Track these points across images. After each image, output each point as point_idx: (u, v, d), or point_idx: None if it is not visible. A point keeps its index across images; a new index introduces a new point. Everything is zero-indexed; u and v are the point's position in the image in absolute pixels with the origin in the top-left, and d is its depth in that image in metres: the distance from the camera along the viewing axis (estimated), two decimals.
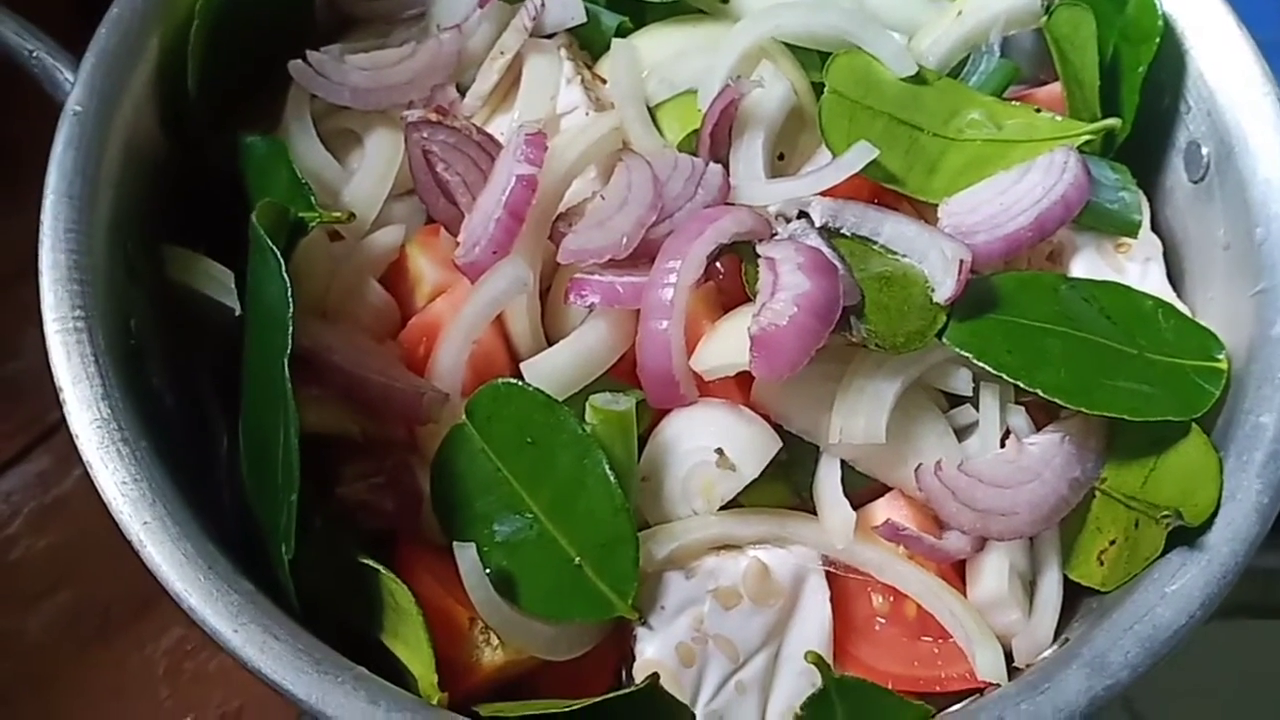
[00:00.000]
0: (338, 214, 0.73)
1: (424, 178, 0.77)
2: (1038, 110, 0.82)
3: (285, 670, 0.58)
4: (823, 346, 0.67)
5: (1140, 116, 0.80)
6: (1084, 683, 0.59)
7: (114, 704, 0.92)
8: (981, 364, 0.69)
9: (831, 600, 0.69)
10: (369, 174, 0.79)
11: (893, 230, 0.75)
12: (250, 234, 0.68)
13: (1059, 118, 0.81)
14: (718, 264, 0.75)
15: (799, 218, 0.75)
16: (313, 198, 0.74)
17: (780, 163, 0.82)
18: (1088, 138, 0.79)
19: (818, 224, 0.74)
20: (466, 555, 0.65)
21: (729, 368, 0.69)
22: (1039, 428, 0.74)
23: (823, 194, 0.75)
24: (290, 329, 0.63)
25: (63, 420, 0.63)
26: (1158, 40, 0.78)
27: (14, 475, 0.96)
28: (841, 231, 0.75)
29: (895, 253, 0.74)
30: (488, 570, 0.65)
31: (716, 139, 0.79)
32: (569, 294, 0.72)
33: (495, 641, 0.67)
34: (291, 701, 0.58)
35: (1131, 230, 0.78)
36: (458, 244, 0.74)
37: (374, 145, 0.80)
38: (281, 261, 0.65)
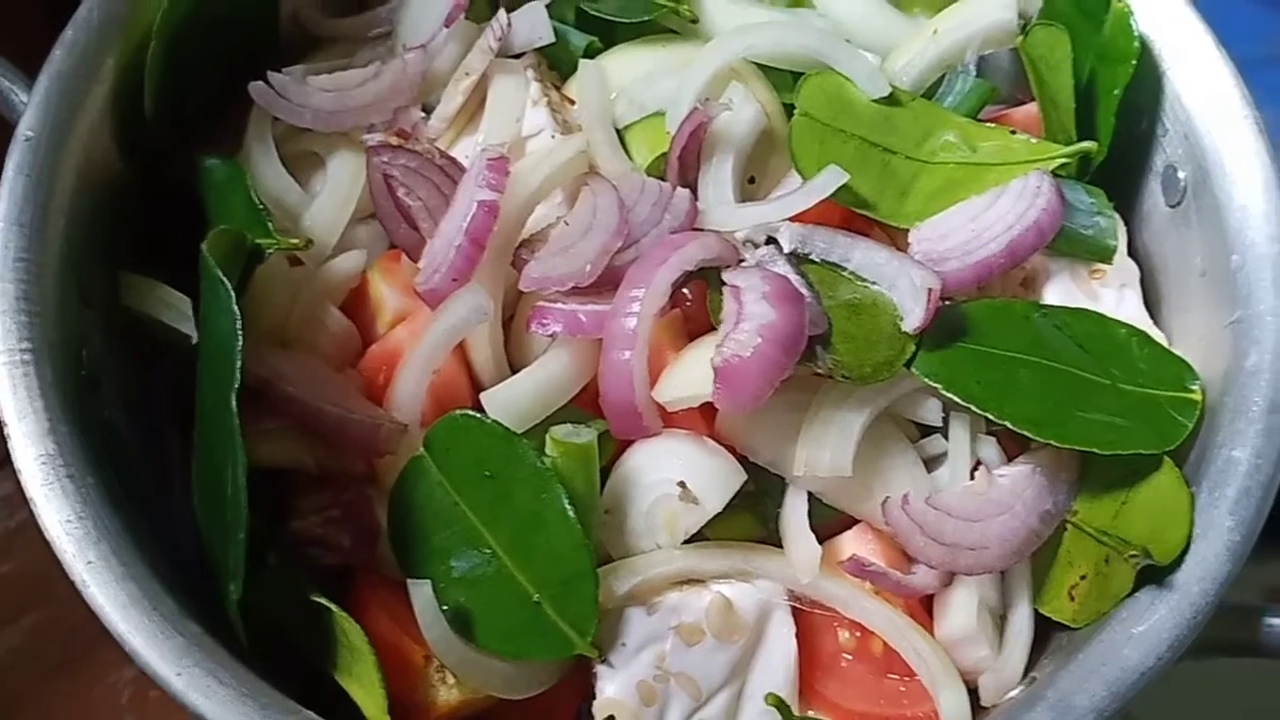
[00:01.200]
0: (294, 241, 0.72)
1: (385, 203, 0.75)
2: (1013, 132, 0.80)
3: (230, 715, 0.57)
4: (789, 377, 0.65)
5: (1117, 140, 0.79)
6: None
7: None
8: (950, 394, 0.68)
9: (797, 636, 0.68)
10: (330, 199, 0.78)
11: (862, 257, 0.73)
12: (201, 264, 0.66)
13: (1034, 140, 0.80)
14: (684, 290, 0.74)
15: (767, 243, 0.74)
16: (270, 223, 0.73)
17: (751, 186, 0.81)
18: (1063, 161, 0.78)
19: (786, 250, 0.73)
20: (421, 593, 0.63)
21: (692, 399, 0.68)
22: (1010, 458, 0.72)
23: (792, 219, 0.74)
24: (238, 363, 0.61)
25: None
26: (1134, 62, 0.76)
27: None
28: (810, 258, 0.73)
29: (865, 280, 0.73)
30: (444, 607, 0.64)
31: (685, 162, 0.77)
32: (530, 322, 0.71)
33: (451, 680, 0.66)
34: None
35: (1107, 256, 0.77)
36: (419, 270, 0.72)
37: (336, 168, 0.79)
38: (232, 294, 0.63)
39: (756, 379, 0.65)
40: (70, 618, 0.94)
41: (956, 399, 0.68)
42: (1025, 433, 0.67)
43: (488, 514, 0.66)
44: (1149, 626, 0.61)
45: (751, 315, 0.67)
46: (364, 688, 0.64)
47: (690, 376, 0.69)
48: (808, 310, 0.68)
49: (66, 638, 0.94)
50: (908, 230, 0.76)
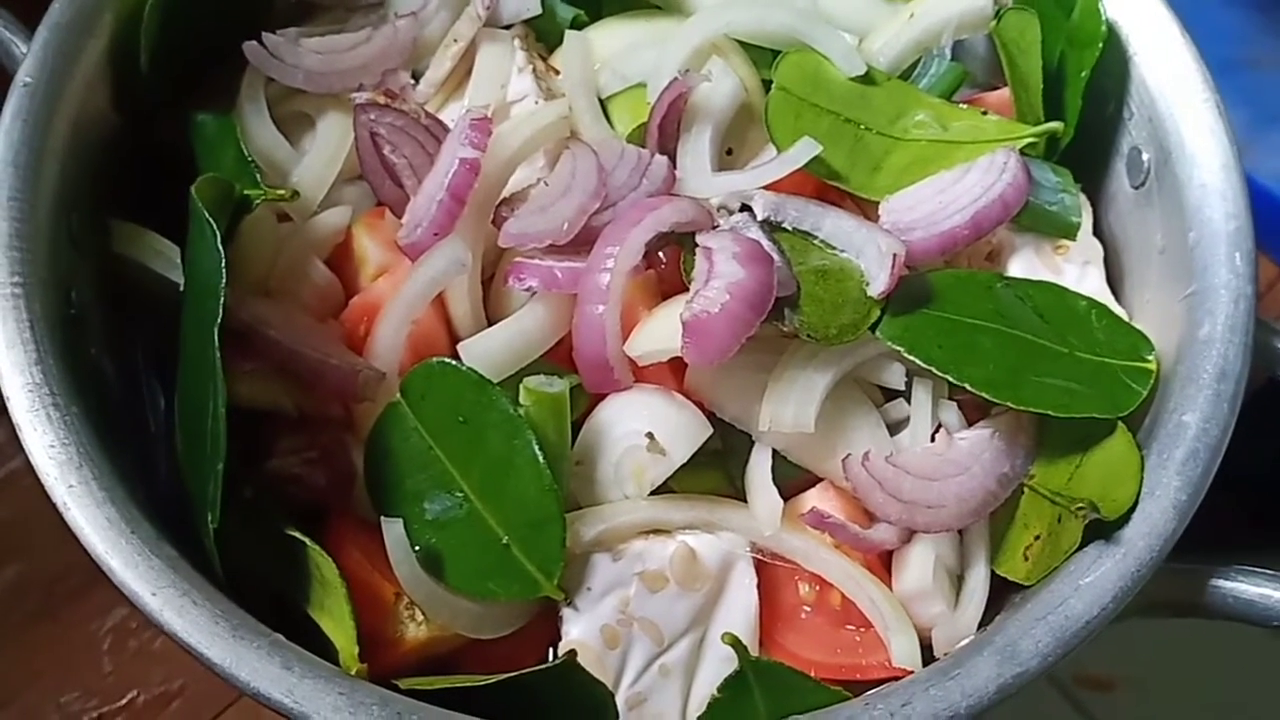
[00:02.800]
0: (281, 191, 0.74)
1: (371, 160, 0.77)
2: (984, 113, 0.82)
3: (201, 635, 0.58)
4: (756, 336, 0.67)
5: (1085, 123, 0.81)
6: (994, 670, 0.60)
7: (56, 677, 0.92)
8: (912, 358, 0.69)
9: (759, 587, 0.69)
10: (318, 156, 0.80)
11: (832, 225, 0.75)
12: (189, 206, 0.68)
13: (1004, 120, 0.82)
14: (660, 254, 0.76)
15: (741, 210, 0.75)
16: (259, 175, 0.75)
17: (729, 158, 0.83)
18: (1031, 140, 0.80)
19: (760, 217, 0.75)
20: (394, 530, 0.65)
21: (662, 353, 0.69)
22: (970, 424, 0.74)
23: (766, 188, 0.76)
24: (222, 299, 0.63)
25: None
26: (1101, 45, 0.79)
27: None
28: (783, 225, 0.75)
29: (834, 248, 0.75)
30: (416, 547, 0.66)
31: (664, 131, 0.79)
32: (508, 277, 0.73)
33: (420, 617, 0.67)
34: (207, 666, 0.58)
35: (1070, 232, 0.79)
36: (402, 225, 0.74)
37: (325, 128, 0.81)
38: (217, 233, 0.65)
39: (723, 334, 0.67)
40: (53, 567, 0.96)
41: (918, 362, 0.69)
42: (983, 395, 0.69)
43: (460, 458, 0.67)
44: (1095, 578, 0.63)
45: (721, 274, 0.69)
46: (335, 621, 0.65)
47: (661, 332, 0.71)
48: (777, 273, 0.70)
49: (48, 587, 0.95)
50: (878, 203, 0.78)
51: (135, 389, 0.76)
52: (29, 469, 0.65)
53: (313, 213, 0.79)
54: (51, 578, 0.96)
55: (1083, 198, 0.80)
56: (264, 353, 0.70)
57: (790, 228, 0.75)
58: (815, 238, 0.76)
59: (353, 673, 0.62)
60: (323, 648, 0.64)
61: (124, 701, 0.92)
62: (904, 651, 0.68)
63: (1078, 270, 0.79)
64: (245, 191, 0.74)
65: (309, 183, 0.79)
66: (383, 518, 0.66)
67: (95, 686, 0.93)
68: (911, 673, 0.67)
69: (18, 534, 0.97)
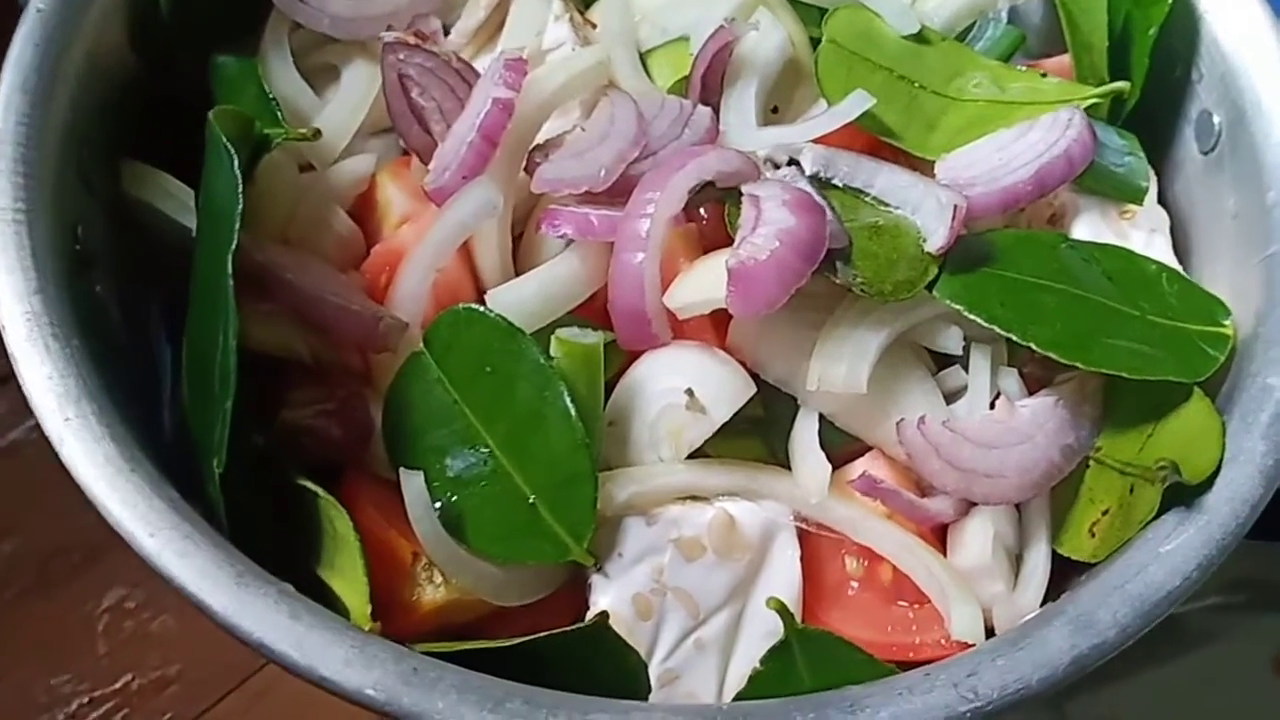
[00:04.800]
0: (303, 131, 0.70)
1: (398, 103, 0.74)
2: (1044, 75, 0.78)
3: (203, 581, 0.53)
4: (805, 290, 0.63)
5: (1151, 89, 0.77)
6: (1067, 640, 0.54)
7: (48, 657, 0.87)
8: (973, 316, 0.65)
9: (802, 560, 0.65)
10: (343, 102, 0.77)
11: (886, 181, 0.71)
12: (207, 134, 0.65)
13: (1066, 82, 0.78)
14: (701, 211, 0.72)
15: (789, 165, 0.71)
16: (280, 114, 0.71)
17: (774, 117, 0.79)
18: (1095, 101, 0.76)
19: (808, 172, 0.71)
20: (413, 483, 0.61)
21: (704, 304, 0.65)
22: (1032, 393, 0.70)
23: (816, 143, 0.72)
24: (237, 225, 0.59)
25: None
26: (1170, 1, 0.74)
27: None
28: (832, 181, 0.71)
29: (887, 204, 0.70)
30: (437, 505, 0.62)
31: (708, 83, 0.76)
32: (541, 224, 0.69)
33: (438, 579, 0.63)
34: (208, 615, 0.53)
35: (1137, 196, 0.75)
36: (429, 172, 0.70)
37: (351, 75, 0.78)
38: (234, 158, 0.61)
39: (771, 283, 0.62)
40: (50, 543, 0.92)
41: (980, 321, 0.65)
42: (1050, 354, 0.64)
43: (486, 412, 0.63)
44: (1176, 545, 0.57)
45: (771, 220, 0.65)
46: (346, 580, 0.61)
47: (703, 282, 0.66)
48: (828, 224, 0.66)
49: (44, 563, 0.91)
50: (933, 163, 0.74)
51: (144, 341, 0.71)
52: (30, 441, 0.60)
53: (335, 160, 0.75)
54: (47, 554, 0.91)
55: (1146, 162, 0.76)
56: (281, 296, 0.66)
57: (841, 184, 0.71)
58: (867, 195, 0.71)
59: (365, 630, 0.57)
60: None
61: (118, 685, 0.87)
62: (965, 623, 0.62)
63: (1144, 237, 0.74)
64: (266, 130, 0.69)
65: (332, 129, 0.75)
66: (402, 469, 0.61)
67: (88, 669, 0.88)
68: (972, 646, 0.61)
69: (16, 507, 0.92)
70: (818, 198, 0.67)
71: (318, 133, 0.71)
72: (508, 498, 0.62)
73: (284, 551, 0.62)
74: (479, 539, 0.62)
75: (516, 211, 0.73)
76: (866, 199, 0.71)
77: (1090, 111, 0.75)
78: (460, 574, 0.62)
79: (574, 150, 0.70)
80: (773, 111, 0.79)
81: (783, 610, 0.60)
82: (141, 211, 0.72)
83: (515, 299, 0.67)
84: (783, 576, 0.65)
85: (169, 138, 0.74)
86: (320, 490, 0.61)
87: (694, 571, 0.63)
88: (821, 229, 0.64)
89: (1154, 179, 0.77)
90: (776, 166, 0.72)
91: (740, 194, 0.68)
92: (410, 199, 0.73)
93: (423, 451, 0.64)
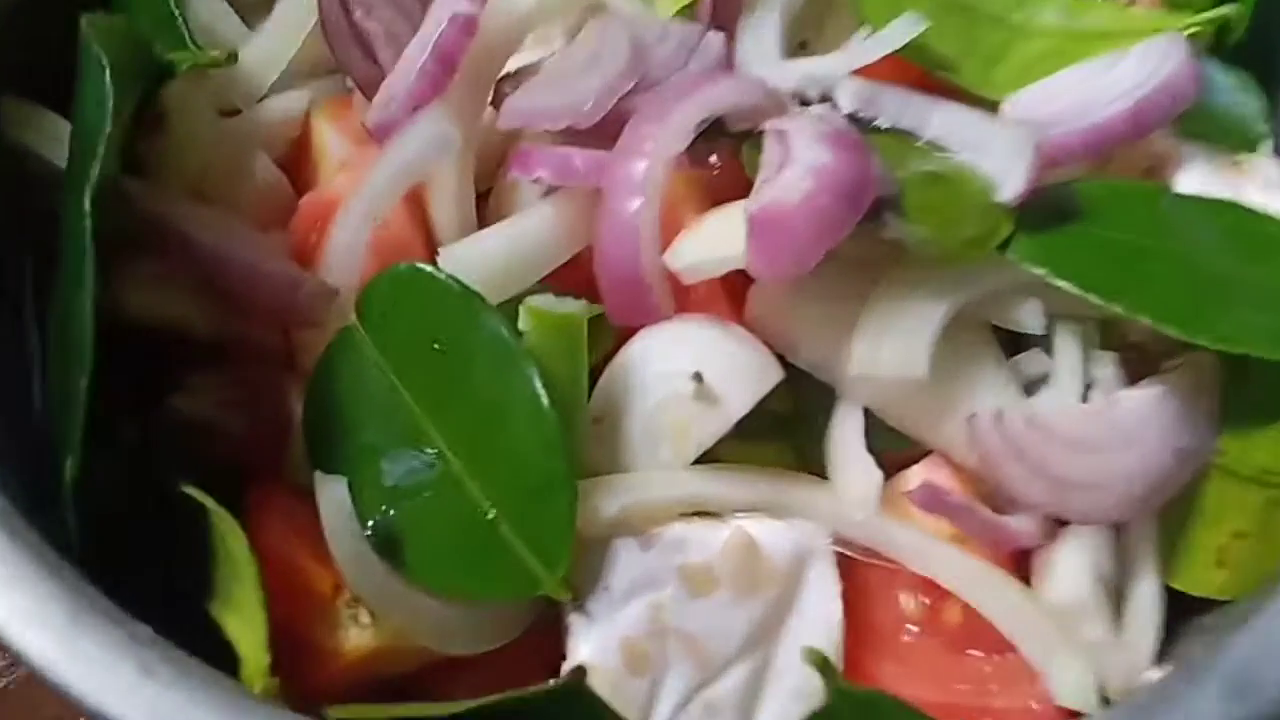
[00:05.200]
0: (214, 54, 0.58)
1: (337, 25, 0.62)
2: (1131, 2, 0.66)
3: (20, 621, 0.39)
4: (843, 254, 0.51)
5: (1265, 15, 0.66)
6: (1219, 708, 0.40)
7: None
8: (1062, 283, 0.53)
9: (844, 597, 0.54)
10: (273, 31, 0.65)
11: (944, 121, 0.58)
12: (80, 45, 0.51)
13: (1157, 11, 0.67)
14: (712, 159, 0.60)
15: (821, 102, 0.59)
16: (187, 33, 0.57)
17: (802, 51, 0.66)
18: (1195, 29, 0.64)
19: (845, 111, 0.58)
20: (333, 492, 0.49)
21: (716, 265, 0.54)
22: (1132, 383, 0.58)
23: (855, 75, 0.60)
24: (101, 149, 0.47)
25: None
26: None
27: None
28: (874, 123, 0.58)
29: (945, 149, 0.58)
30: (369, 524, 0.50)
31: (722, 7, 0.62)
32: (510, 167, 0.56)
33: (366, 619, 0.51)
34: (25, 664, 0.38)
35: (1251, 143, 0.64)
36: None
37: (284, 2, 0.64)
38: (106, 67, 0.48)
39: (804, 234, 0.50)
40: None
41: (1071, 287, 0.53)
42: (1168, 328, 0.53)
43: (434, 401, 0.52)
44: None
45: (802, 158, 0.53)
46: (242, 619, 0.49)
47: (715, 237, 0.55)
48: (875, 164, 0.53)
49: None
50: (998, 102, 0.62)
51: (12, 322, 0.57)
52: None
53: (261, 98, 0.63)
54: None
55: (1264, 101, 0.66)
56: (177, 255, 0.54)
57: (885, 125, 0.59)
58: (918, 138, 0.59)
59: (256, 690, 0.42)
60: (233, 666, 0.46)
61: None
62: (1072, 684, 0.50)
63: (1261, 192, 0.62)
64: (168, 55, 0.56)
65: (259, 61, 0.64)
66: (317, 474, 0.49)
67: None
68: (1082, 716, 0.47)
69: None
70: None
71: (232, 57, 0.59)
72: (460, 512, 0.50)
73: (164, 581, 0.48)
74: (421, 566, 0.50)
75: (484, 161, 0.60)
76: (918, 143, 0.59)
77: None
78: (395, 612, 0.50)
79: (553, 77, 0.58)
80: (801, 46, 0.67)
81: (822, 663, 0.47)
82: (20, 157, 0.58)
83: (474, 258, 0.55)
84: (819, 618, 0.53)
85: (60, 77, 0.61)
86: (209, 500, 0.47)
87: (704, 610, 0.52)
88: (867, 166, 0.52)
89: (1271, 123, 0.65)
90: (805, 105, 0.59)
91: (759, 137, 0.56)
92: (350, 143, 0.62)
93: (353, 453, 0.53)
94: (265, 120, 0.62)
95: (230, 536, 0.48)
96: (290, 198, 0.62)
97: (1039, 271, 0.53)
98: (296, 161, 0.64)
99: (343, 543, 0.48)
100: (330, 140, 0.62)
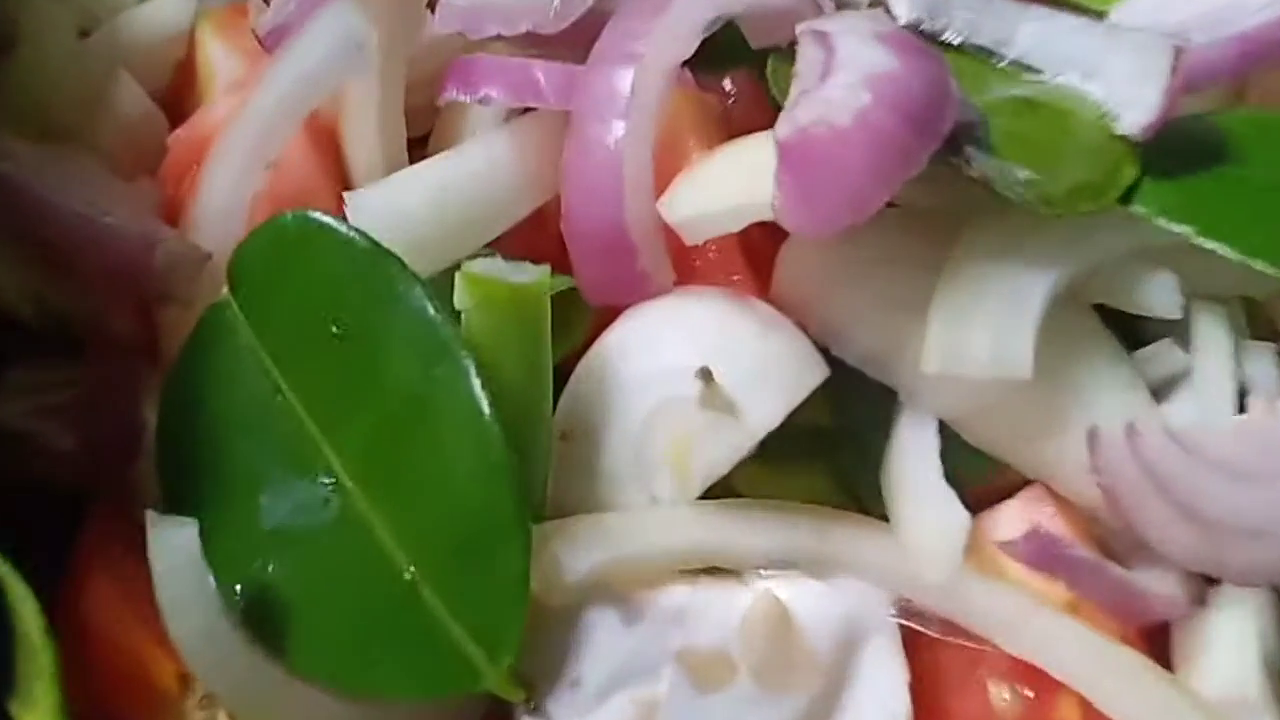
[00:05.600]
0: None
1: None
2: None
3: None
4: (910, 201, 0.43)
5: None
6: None
7: None
8: (1215, 244, 0.42)
9: (912, 688, 0.43)
10: None
11: (1036, 34, 0.48)
12: None
13: None
14: (727, 84, 0.51)
15: (871, 7, 0.51)
16: None
17: None
18: None
19: (903, 21, 0.48)
20: (175, 539, 0.38)
21: (732, 216, 0.43)
22: None
23: None
24: None
25: None
26: None
27: None
28: (942, 37, 0.48)
29: (1036, 70, 0.47)
30: (238, 587, 0.40)
31: None
32: (446, 84, 0.45)
33: None
34: None
35: None
36: None
37: None
38: None
39: (857, 168, 0.39)
40: None
41: (1230, 251, 0.42)
42: None
43: (331, 408, 0.42)
44: None
45: (851, 64, 0.41)
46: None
47: (730, 179, 0.44)
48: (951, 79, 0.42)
49: None
50: (1102, 13, 0.52)
51: None
52: None
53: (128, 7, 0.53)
54: None
55: None
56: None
57: (956, 40, 0.48)
58: (1001, 57, 0.48)
59: None
60: None
61: None
62: None
63: None
64: None
65: None
66: (150, 514, 0.37)
67: None
68: None
69: None
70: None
71: None
72: (366, 570, 0.40)
73: None
74: (308, 650, 0.39)
75: (421, 91, 0.50)
76: (1000, 65, 0.48)
77: None
78: (269, 714, 0.39)
79: None
80: None
81: None
82: None
83: (393, 207, 0.45)
84: (878, 717, 0.43)
85: None
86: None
87: (716, 712, 0.41)
88: (942, 76, 0.42)
89: None
90: (851, 8, 0.51)
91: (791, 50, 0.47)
92: (244, 60, 0.52)
93: (222, 480, 0.42)
94: (135, 35, 0.51)
95: (24, 609, 0.36)
96: (162, 133, 0.51)
97: (1179, 230, 0.42)
98: (179, 91, 0.53)
99: (187, 615, 0.37)
100: (219, 58, 0.53)
